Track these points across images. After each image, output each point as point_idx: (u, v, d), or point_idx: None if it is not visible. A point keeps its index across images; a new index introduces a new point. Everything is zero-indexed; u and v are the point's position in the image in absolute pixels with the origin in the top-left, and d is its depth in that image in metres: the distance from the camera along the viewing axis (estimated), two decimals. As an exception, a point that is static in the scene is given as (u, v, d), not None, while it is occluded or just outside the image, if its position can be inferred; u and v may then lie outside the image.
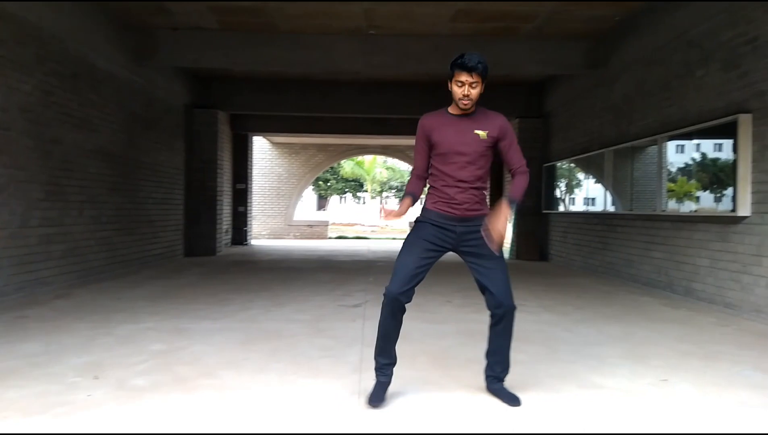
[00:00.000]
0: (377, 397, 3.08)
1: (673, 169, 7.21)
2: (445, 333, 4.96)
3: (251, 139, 16.53)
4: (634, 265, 8.16)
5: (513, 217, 12.77)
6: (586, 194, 10.30)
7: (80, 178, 7.66)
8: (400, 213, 3.11)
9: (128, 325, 5.08)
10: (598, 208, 9.62)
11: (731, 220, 5.98)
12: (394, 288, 3.03)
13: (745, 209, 5.74)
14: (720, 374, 3.80)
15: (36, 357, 3.98)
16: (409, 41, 9.18)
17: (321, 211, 46.56)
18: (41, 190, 6.77)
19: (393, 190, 42.30)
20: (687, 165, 6.94)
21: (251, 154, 16.54)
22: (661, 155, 7.35)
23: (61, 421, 2.83)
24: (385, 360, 3.18)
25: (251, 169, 16.56)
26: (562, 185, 11.61)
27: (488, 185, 3.18)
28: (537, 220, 12.41)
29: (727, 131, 5.95)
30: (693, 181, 6.76)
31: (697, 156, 6.72)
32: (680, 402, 3.23)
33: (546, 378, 3.65)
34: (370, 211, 39.81)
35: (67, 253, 7.36)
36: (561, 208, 11.52)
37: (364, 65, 9.33)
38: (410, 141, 19.72)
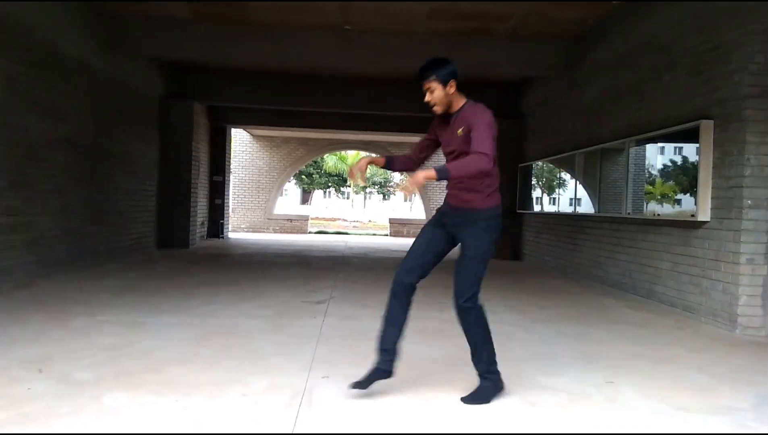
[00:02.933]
0: (360, 383, 3.14)
1: (654, 171, 7.13)
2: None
3: (230, 131, 16.41)
4: (601, 266, 8.25)
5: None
6: (559, 195, 10.38)
7: (46, 168, 7.53)
8: (364, 163, 3.19)
9: (84, 317, 5.02)
10: (568, 209, 9.70)
11: (692, 225, 6.06)
12: (400, 268, 3.23)
13: (705, 214, 5.82)
14: (666, 377, 3.86)
15: (-18, 349, 3.93)
16: (385, 38, 9.16)
17: (305, 205, 46.44)
18: (4, 179, 6.65)
19: (376, 186, 42.28)
20: (666, 167, 6.91)
21: (229, 146, 16.42)
22: (628, 158, 7.42)
23: (-5, 414, 2.80)
24: (380, 344, 3.21)
25: (229, 161, 16.45)
26: (536, 186, 11.68)
27: (484, 180, 3.13)
28: (511, 219, 12.47)
29: (691, 136, 6.03)
30: (671, 184, 6.70)
31: (678, 158, 6.67)
32: (620, 404, 3.28)
33: (494, 378, 3.67)
34: (353, 207, 39.81)
35: (31, 243, 7.25)
36: (535, 209, 11.59)
37: (339, 60, 9.31)
38: (390, 137, 19.73)
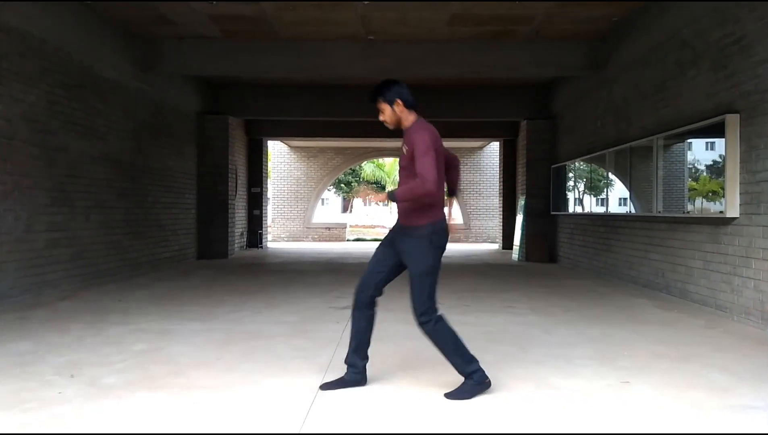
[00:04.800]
0: (329, 385, 3.46)
1: (701, 167, 6.84)
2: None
3: (266, 143, 16.80)
4: (634, 266, 8.10)
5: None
6: (591, 196, 10.23)
7: (87, 184, 7.94)
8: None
9: (119, 326, 5.28)
10: (600, 209, 9.56)
11: (721, 222, 5.92)
12: (357, 286, 3.48)
13: (733, 210, 5.68)
14: (685, 376, 3.80)
15: (23, 356, 4.19)
16: (408, 46, 9.27)
17: (345, 214, 46.85)
18: (47, 196, 7.05)
19: (414, 193, 42.22)
20: (715, 163, 6.59)
21: (266, 158, 16.80)
22: (656, 156, 7.29)
23: (27, 416, 3.00)
24: (346, 359, 3.50)
25: (266, 172, 16.82)
26: (569, 186, 11.54)
27: (426, 199, 3.26)
28: (546, 221, 12.36)
29: (717, 131, 5.90)
30: (720, 180, 6.14)
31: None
32: (631, 404, 3.26)
33: (506, 378, 3.70)
34: (392, 213, 39.91)
35: (74, 256, 7.64)
36: (569, 210, 11.45)
37: (364, 70, 9.45)
38: (425, 143, 19.79)
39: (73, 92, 7.58)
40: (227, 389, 3.45)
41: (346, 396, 3.34)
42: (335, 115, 13.46)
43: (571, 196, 11.51)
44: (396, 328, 5.28)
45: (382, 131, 14.94)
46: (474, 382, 3.29)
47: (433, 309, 3.29)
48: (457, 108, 12.78)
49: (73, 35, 7.57)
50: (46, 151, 7.02)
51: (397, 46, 9.32)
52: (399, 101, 3.33)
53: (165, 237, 10.68)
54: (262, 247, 16.13)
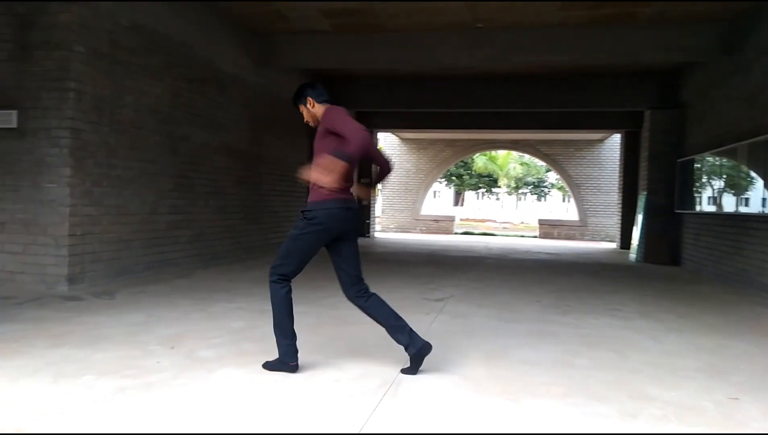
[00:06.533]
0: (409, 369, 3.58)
1: None
2: (514, 332, 4.86)
3: (376, 135, 17.07)
4: (767, 273, 7.26)
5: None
6: (720, 193, 9.31)
7: (207, 172, 8.51)
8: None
9: (223, 303, 5.61)
10: (729, 208, 8.67)
11: None
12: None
13: None
14: (809, 399, 3.34)
15: (134, 326, 4.58)
16: (517, 33, 8.94)
17: (457, 207, 46.61)
18: (170, 182, 7.65)
19: (529, 187, 41.00)
20: None
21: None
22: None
23: (124, 381, 3.26)
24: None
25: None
26: (698, 183, 10.59)
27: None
28: (669, 220, 11.44)
29: None
30: None
31: None
32: (735, 423, 2.92)
33: (596, 385, 3.46)
34: (503, 208, 39.05)
35: (193, 238, 8.24)
36: (696, 208, 10.51)
37: (471, 59, 9.25)
38: (539, 135, 19.11)
39: (196, 85, 8.15)
40: (310, 370, 3.55)
41: (423, 389, 3.29)
42: (443, 106, 13.36)
43: (699, 192, 10.55)
44: (489, 323, 5.16)
45: (493, 122, 14.60)
46: (279, 360, 3.52)
47: (279, 272, 3.58)
48: (573, 97, 12.16)
49: (195, 32, 8.12)
50: (170, 140, 7.61)
51: (505, 33, 9.02)
52: (311, 99, 3.54)
53: (277, 223, 11.20)
54: (369, 236, 16.45)
